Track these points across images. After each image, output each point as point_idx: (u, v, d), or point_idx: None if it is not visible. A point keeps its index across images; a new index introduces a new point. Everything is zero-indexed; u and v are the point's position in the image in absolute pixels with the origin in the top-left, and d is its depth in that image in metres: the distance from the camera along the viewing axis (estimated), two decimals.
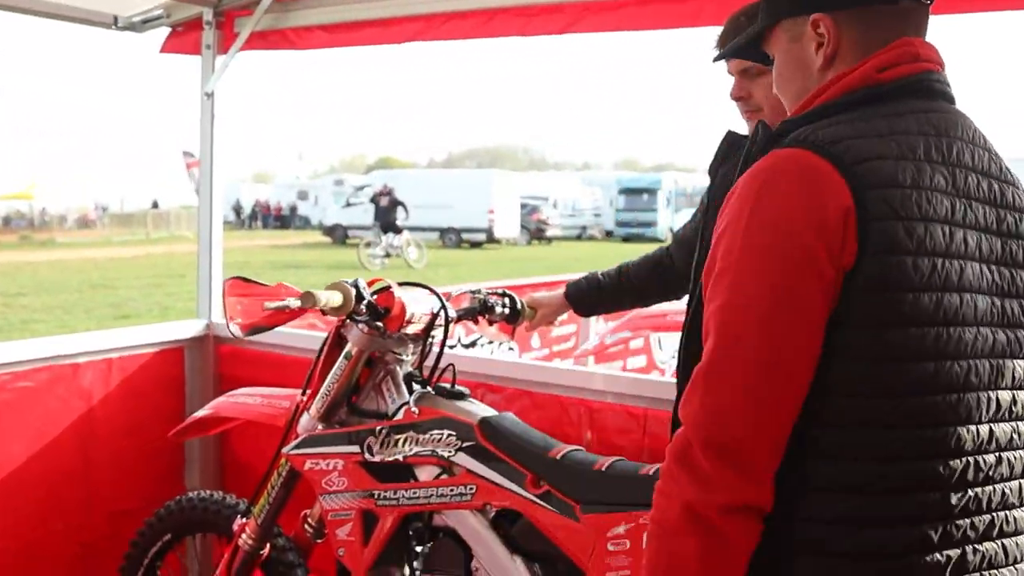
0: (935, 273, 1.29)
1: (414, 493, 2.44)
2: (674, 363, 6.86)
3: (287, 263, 22.50)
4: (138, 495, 3.48)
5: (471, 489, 2.38)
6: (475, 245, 32.71)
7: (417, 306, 2.54)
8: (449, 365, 2.59)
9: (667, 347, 6.62)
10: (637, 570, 2.13)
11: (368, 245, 24.97)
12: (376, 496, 2.47)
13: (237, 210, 46.50)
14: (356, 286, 2.45)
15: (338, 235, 33.24)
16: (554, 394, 2.96)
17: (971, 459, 1.31)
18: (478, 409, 2.49)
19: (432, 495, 2.42)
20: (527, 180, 41.84)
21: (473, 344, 6.08)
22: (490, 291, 2.81)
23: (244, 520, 2.74)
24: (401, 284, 2.58)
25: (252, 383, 3.06)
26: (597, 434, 2.83)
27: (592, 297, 2.79)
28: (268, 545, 2.75)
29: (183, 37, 3.81)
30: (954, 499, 1.30)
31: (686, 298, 2.93)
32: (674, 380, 2.91)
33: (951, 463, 1.29)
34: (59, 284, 17.60)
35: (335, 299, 2.42)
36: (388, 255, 24.44)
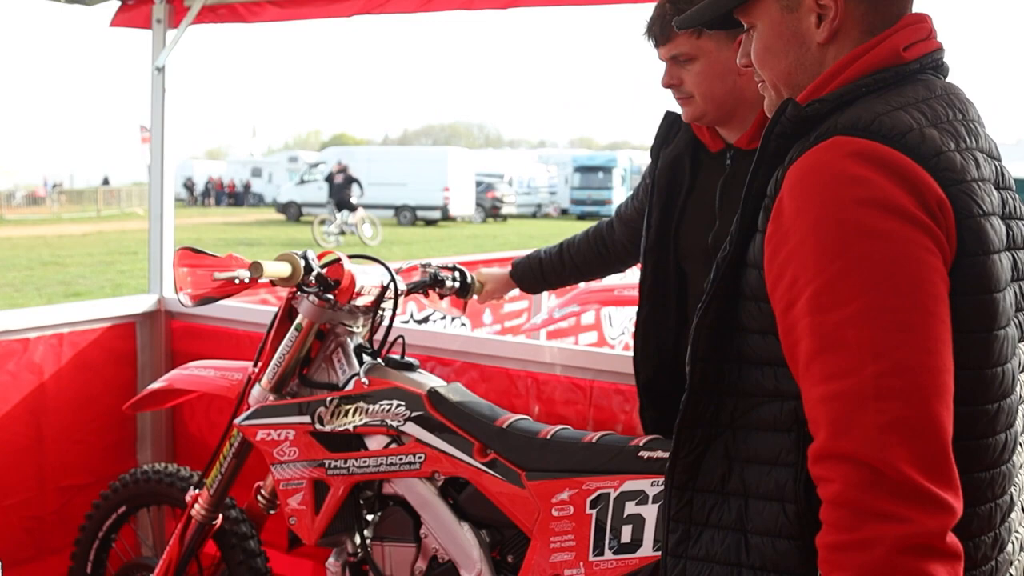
0: (1003, 270, 1.24)
1: (364, 462, 2.48)
2: (624, 339, 6.95)
3: (240, 240, 22.31)
4: (90, 469, 3.49)
5: (420, 458, 2.43)
6: (430, 223, 32.61)
7: (367, 278, 2.57)
8: (399, 337, 2.64)
9: (617, 323, 6.71)
10: (579, 533, 2.20)
11: (323, 223, 24.83)
12: (327, 465, 2.51)
13: (189, 187, 45.88)
14: (305, 257, 2.48)
15: (292, 213, 33.01)
16: (502, 367, 3.01)
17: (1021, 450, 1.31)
18: (427, 380, 2.54)
19: (382, 464, 2.47)
20: (482, 157, 41.80)
21: (426, 320, 6.12)
22: (440, 265, 2.85)
23: (197, 491, 2.77)
24: (351, 257, 2.62)
25: (204, 357, 3.09)
26: (544, 405, 2.90)
27: (535, 275, 2.82)
28: (220, 516, 2.79)
29: (133, 11, 3.76)
30: (1014, 495, 1.30)
31: (630, 272, 3.00)
32: (624, 353, 2.98)
33: (1014, 459, 1.28)
34: (8, 262, 17.30)
35: (283, 270, 2.44)
36: (343, 232, 24.31)
